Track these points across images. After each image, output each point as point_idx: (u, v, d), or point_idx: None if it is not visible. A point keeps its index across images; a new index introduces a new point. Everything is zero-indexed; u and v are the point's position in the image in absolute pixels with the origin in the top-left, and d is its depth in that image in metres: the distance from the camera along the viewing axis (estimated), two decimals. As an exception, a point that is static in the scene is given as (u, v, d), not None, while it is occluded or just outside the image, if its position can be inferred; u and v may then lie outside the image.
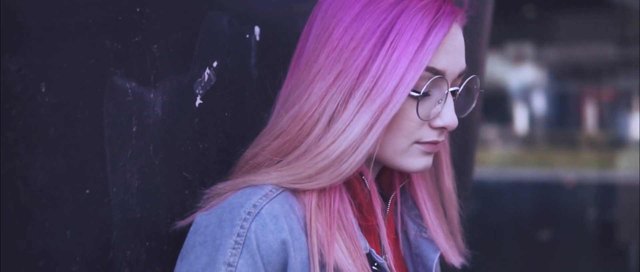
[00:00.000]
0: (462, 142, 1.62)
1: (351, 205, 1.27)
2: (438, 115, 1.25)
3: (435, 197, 1.44)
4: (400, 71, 1.19)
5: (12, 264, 1.06)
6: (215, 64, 1.42)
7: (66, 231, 1.15)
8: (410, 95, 1.21)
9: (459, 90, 1.27)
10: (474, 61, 1.79)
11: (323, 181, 1.22)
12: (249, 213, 1.18)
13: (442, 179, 1.42)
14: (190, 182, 1.38)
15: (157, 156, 1.31)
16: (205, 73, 1.40)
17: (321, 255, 1.19)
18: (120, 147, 1.24)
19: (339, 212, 1.24)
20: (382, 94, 1.19)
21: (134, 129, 1.26)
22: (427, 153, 1.28)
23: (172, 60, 1.33)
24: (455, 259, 1.43)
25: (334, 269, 1.19)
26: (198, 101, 1.39)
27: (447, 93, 1.25)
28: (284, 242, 1.17)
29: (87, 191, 1.18)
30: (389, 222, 1.39)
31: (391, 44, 1.20)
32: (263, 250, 1.16)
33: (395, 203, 1.40)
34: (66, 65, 1.13)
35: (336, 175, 1.21)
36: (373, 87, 1.20)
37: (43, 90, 1.10)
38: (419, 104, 1.23)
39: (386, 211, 1.36)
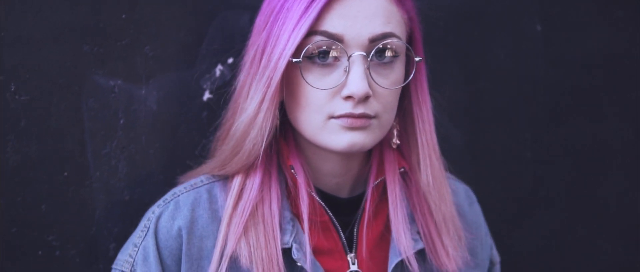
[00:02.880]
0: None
1: (281, 197, 1.25)
2: (345, 84, 1.16)
3: (425, 196, 1.30)
4: (283, 39, 1.17)
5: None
6: (230, 60, 1.48)
7: (41, 205, 1.38)
8: (300, 62, 1.17)
9: (369, 56, 1.16)
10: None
11: (235, 164, 1.24)
12: (164, 200, 1.27)
13: (417, 174, 1.30)
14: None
15: (152, 146, 1.45)
16: (216, 69, 1.48)
17: (226, 243, 1.22)
18: (104, 137, 1.41)
19: (260, 202, 1.23)
20: (269, 65, 1.18)
21: (121, 122, 1.42)
22: (349, 128, 1.18)
23: (172, 59, 1.45)
24: (449, 264, 1.28)
25: (231, 259, 1.20)
26: (206, 95, 1.48)
27: (349, 59, 1.16)
28: (180, 229, 1.23)
29: (65, 174, 1.39)
30: (378, 221, 1.31)
31: (281, 15, 1.18)
32: (161, 235, 1.23)
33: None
34: (38, 67, 1.35)
35: (243, 156, 1.22)
36: (262, 59, 1.19)
37: (12, 89, 1.34)
38: (312, 71, 1.18)
39: (357, 210, 1.29)
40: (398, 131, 1.31)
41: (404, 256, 1.26)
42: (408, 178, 1.33)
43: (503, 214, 1.69)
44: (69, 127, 1.39)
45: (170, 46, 1.44)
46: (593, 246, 1.75)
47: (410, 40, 1.27)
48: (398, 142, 1.31)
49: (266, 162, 1.26)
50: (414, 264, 1.26)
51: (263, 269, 1.20)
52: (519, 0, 1.66)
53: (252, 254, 1.20)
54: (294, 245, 1.23)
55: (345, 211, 1.30)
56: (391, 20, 1.19)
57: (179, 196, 1.27)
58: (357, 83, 1.15)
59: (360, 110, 1.17)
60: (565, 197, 1.72)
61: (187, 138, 1.48)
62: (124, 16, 1.40)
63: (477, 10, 1.63)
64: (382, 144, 1.32)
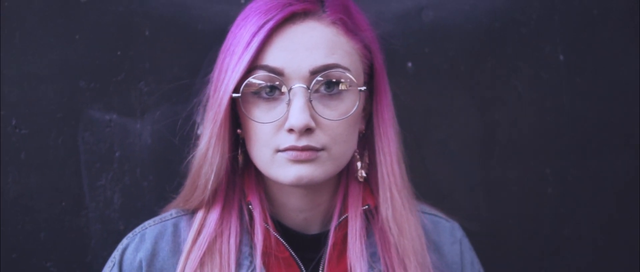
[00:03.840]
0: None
1: (241, 232, 1.25)
2: (287, 117, 1.15)
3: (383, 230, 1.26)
4: (228, 75, 1.18)
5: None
6: (226, 94, 1.50)
7: (40, 233, 1.46)
8: (240, 97, 1.17)
9: (309, 88, 1.15)
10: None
11: (195, 199, 1.25)
12: (133, 232, 1.30)
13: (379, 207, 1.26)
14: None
15: (146, 178, 1.49)
16: (211, 103, 1.50)
17: None
18: (100, 169, 1.47)
19: (219, 236, 1.24)
20: (216, 101, 1.19)
21: (117, 154, 1.48)
22: (294, 161, 1.17)
23: (166, 94, 1.48)
24: None
25: None
26: (200, 129, 1.50)
27: (290, 91, 1.15)
28: (141, 261, 1.25)
29: (63, 204, 1.46)
30: (344, 258, 1.29)
31: (229, 51, 1.19)
32: (125, 266, 1.26)
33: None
34: (37, 102, 1.43)
35: (199, 191, 1.24)
36: (214, 95, 1.20)
37: (13, 123, 1.43)
38: (259, 105, 1.17)
39: (321, 246, 1.27)
40: (366, 164, 1.28)
41: None
42: (376, 213, 1.29)
43: (524, 254, 1.60)
44: (66, 160, 1.46)
45: (164, 81, 1.48)
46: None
47: (370, 70, 1.24)
48: (364, 175, 1.27)
49: (228, 197, 1.26)
50: None
51: None
52: (538, 29, 1.56)
53: None
54: None
55: (312, 247, 1.28)
56: (335, 52, 1.16)
57: (146, 228, 1.30)
58: (296, 115, 1.14)
59: (303, 142, 1.15)
60: (596, 236, 1.60)
61: (181, 171, 1.51)
62: (119, 53, 1.46)
63: (492, 39, 1.55)
64: (349, 178, 1.29)
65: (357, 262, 1.24)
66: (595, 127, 1.58)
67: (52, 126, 1.45)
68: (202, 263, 1.22)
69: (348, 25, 1.20)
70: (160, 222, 1.30)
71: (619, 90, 1.57)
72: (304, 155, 1.16)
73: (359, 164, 1.28)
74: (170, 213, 1.31)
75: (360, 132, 1.28)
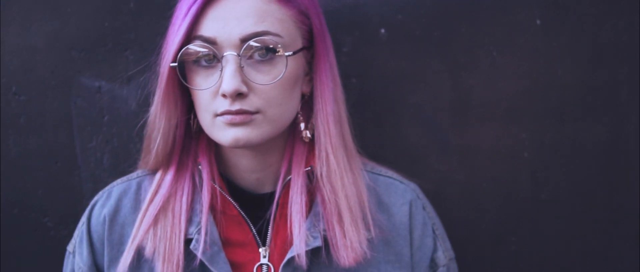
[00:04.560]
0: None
1: (194, 191, 1.34)
2: (221, 83, 1.23)
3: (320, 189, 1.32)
4: (168, 46, 1.27)
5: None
6: (206, 62, 1.59)
7: (38, 190, 1.60)
8: (176, 67, 1.25)
9: (238, 55, 1.22)
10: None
11: (150, 161, 1.35)
12: (103, 190, 1.41)
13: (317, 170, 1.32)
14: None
15: (132, 141, 1.61)
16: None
17: (138, 233, 1.33)
18: (90, 132, 1.60)
19: (172, 196, 1.33)
20: (160, 70, 1.29)
21: (106, 119, 1.60)
22: (230, 124, 1.24)
23: (150, 62, 1.59)
24: (350, 258, 1.29)
25: (138, 248, 1.31)
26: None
27: (222, 59, 1.23)
28: (105, 217, 1.36)
29: (57, 163, 1.60)
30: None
31: (171, 22, 1.29)
32: (93, 220, 1.38)
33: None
34: (34, 71, 1.58)
35: (152, 154, 1.33)
36: (159, 65, 1.30)
37: (13, 90, 1.58)
38: (199, 73, 1.25)
39: (268, 206, 1.34)
40: (312, 126, 1.33)
41: (295, 253, 1.28)
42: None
43: (500, 216, 1.61)
44: (61, 123, 1.59)
45: (148, 50, 1.58)
46: (610, 251, 1.59)
47: (310, 35, 1.29)
48: (309, 136, 1.33)
49: (182, 159, 1.35)
50: (303, 261, 1.27)
51: (164, 259, 1.29)
52: (514, -7, 1.57)
53: (157, 244, 1.30)
54: (196, 236, 1.30)
55: (263, 205, 1.35)
56: (265, 19, 1.23)
57: (114, 186, 1.40)
58: (227, 81, 1.21)
59: (237, 106, 1.23)
60: (574, 200, 1.59)
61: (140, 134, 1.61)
62: (106, 24, 1.58)
63: (467, 4, 1.57)
64: (295, 139, 1.35)
65: (297, 221, 1.29)
66: (572, 91, 1.57)
67: (48, 93, 1.59)
68: (156, 220, 1.32)
69: None
70: (127, 180, 1.41)
71: (596, 55, 1.56)
72: (238, 118, 1.23)
73: (302, 125, 1.34)
74: (136, 173, 1.42)
75: (304, 95, 1.34)
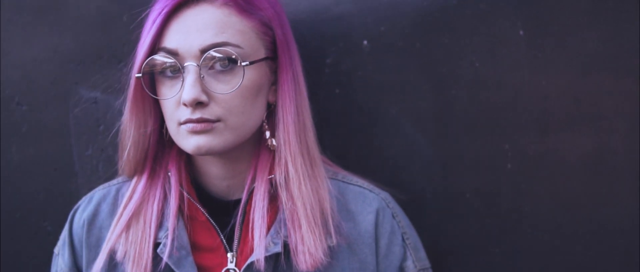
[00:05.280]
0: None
1: (164, 197, 1.39)
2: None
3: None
4: (136, 57, 1.33)
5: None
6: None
7: (39, 194, 1.69)
8: (141, 77, 1.31)
9: (198, 65, 1.27)
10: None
11: (126, 169, 1.41)
12: (86, 196, 1.49)
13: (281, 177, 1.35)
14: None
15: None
16: (183, 82, 1.66)
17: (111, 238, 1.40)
18: (87, 141, 1.68)
19: (144, 201, 1.39)
20: (129, 81, 1.35)
21: (101, 128, 1.68)
22: (192, 132, 1.29)
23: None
24: (309, 264, 1.31)
25: (110, 252, 1.38)
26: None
27: (183, 69, 1.27)
28: (84, 221, 1.43)
29: (56, 170, 1.68)
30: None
31: (140, 35, 1.35)
32: (74, 224, 1.46)
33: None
34: (35, 82, 1.67)
35: (126, 161, 1.39)
36: (130, 76, 1.36)
37: (16, 100, 1.67)
38: (165, 84, 1.30)
39: (237, 211, 1.38)
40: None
41: (254, 258, 1.32)
42: None
43: (483, 228, 1.60)
44: (59, 132, 1.68)
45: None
46: (595, 264, 1.57)
47: (273, 46, 1.33)
48: (275, 144, 1.37)
49: (155, 166, 1.41)
50: (261, 265, 1.31)
51: (133, 262, 1.35)
52: (498, 3, 1.57)
53: (128, 248, 1.36)
54: (164, 240, 1.36)
55: (231, 212, 1.39)
56: (226, 31, 1.28)
57: (95, 192, 1.48)
58: (187, 91, 1.27)
59: (197, 115, 1.28)
60: (557, 212, 1.57)
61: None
62: (101, 38, 1.66)
63: (449, 15, 1.58)
64: (261, 147, 1.39)
65: (258, 227, 1.34)
66: (556, 102, 1.55)
67: (48, 103, 1.68)
68: (128, 225, 1.38)
69: (241, 5, 1.31)
70: (108, 186, 1.48)
71: (580, 66, 1.54)
72: (199, 126, 1.29)
73: (267, 133, 1.37)
74: (117, 179, 1.48)
75: (271, 104, 1.38)
